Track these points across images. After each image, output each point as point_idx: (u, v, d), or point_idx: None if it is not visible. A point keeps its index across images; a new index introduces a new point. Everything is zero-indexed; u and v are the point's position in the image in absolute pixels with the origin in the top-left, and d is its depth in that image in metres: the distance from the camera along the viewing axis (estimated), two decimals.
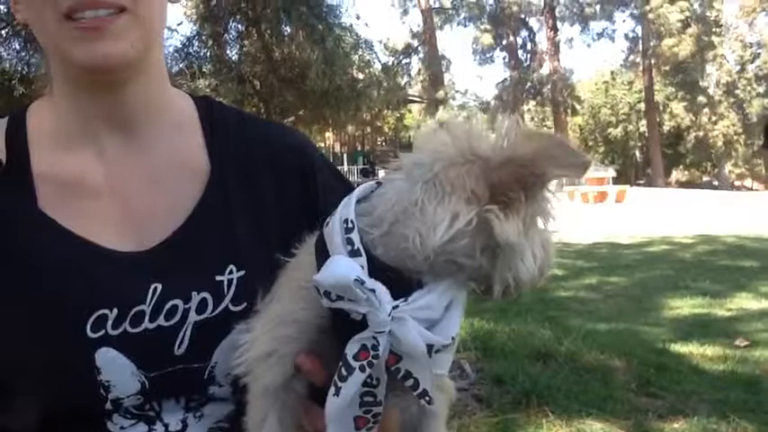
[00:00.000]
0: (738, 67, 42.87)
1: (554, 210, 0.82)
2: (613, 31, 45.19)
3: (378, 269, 0.77)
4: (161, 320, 0.99)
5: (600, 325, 5.72)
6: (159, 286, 1.00)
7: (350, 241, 0.78)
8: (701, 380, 4.16)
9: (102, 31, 0.94)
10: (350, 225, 0.80)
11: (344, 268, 0.76)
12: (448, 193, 0.78)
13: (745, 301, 6.54)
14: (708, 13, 41.31)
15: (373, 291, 0.75)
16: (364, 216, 0.81)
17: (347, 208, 0.82)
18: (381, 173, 0.89)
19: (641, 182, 41.81)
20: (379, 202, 0.82)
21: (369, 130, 35.34)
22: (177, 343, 0.99)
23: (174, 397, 1.01)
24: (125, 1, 0.95)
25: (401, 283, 0.77)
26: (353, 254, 0.78)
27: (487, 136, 0.80)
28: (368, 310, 0.75)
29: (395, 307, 0.75)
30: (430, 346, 0.76)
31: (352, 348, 0.76)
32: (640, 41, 42.76)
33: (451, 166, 0.78)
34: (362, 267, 0.77)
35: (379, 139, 37.68)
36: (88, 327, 0.96)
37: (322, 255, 0.81)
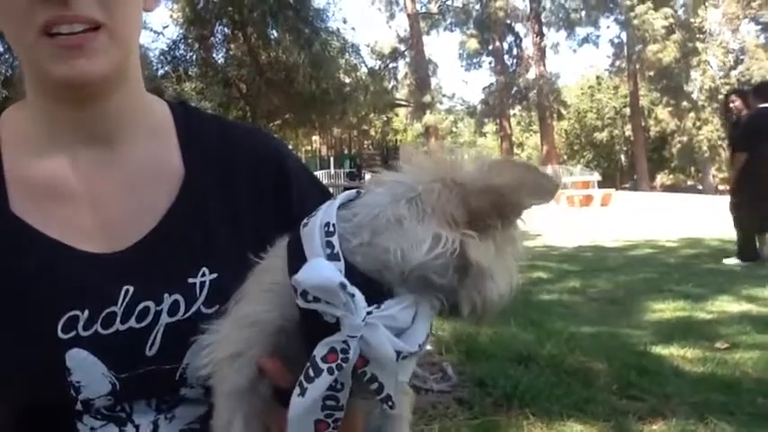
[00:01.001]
0: (722, 73, 43.28)
1: (521, 237, 0.86)
2: (598, 36, 45.60)
3: (353, 276, 0.79)
4: (132, 322, 1.00)
5: (583, 328, 5.74)
6: (131, 288, 1.01)
7: (329, 244, 0.80)
8: (682, 382, 4.18)
9: (80, 49, 0.95)
10: (331, 229, 0.81)
11: (329, 271, 0.77)
12: (429, 215, 0.81)
13: (726, 304, 6.58)
14: (692, 20, 41.70)
15: (353, 295, 0.76)
16: (344, 222, 0.83)
17: (329, 212, 0.84)
18: (368, 176, 0.91)
19: (626, 186, 42.03)
20: (360, 211, 0.83)
21: (355, 133, 35.32)
22: (149, 344, 1.00)
23: (146, 398, 1.01)
24: (100, 16, 0.95)
25: (374, 291, 0.79)
26: (332, 257, 0.79)
27: (466, 163, 0.85)
28: (343, 314, 0.76)
29: (369, 313, 0.77)
30: (398, 353, 0.78)
31: (320, 350, 0.77)
32: (625, 47, 43.06)
33: (433, 189, 0.82)
34: (340, 272, 0.78)
35: (365, 142, 37.65)
36: (59, 327, 0.96)
37: (296, 256, 0.82)
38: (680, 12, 41.71)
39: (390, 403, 0.80)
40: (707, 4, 41.86)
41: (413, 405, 0.96)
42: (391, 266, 0.80)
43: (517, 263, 0.86)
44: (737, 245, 9.21)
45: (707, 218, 16.57)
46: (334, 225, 0.81)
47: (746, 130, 8.69)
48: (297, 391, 0.78)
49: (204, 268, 1.05)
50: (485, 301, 0.83)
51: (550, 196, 0.83)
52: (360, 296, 0.77)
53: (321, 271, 0.77)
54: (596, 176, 28.45)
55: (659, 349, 4.93)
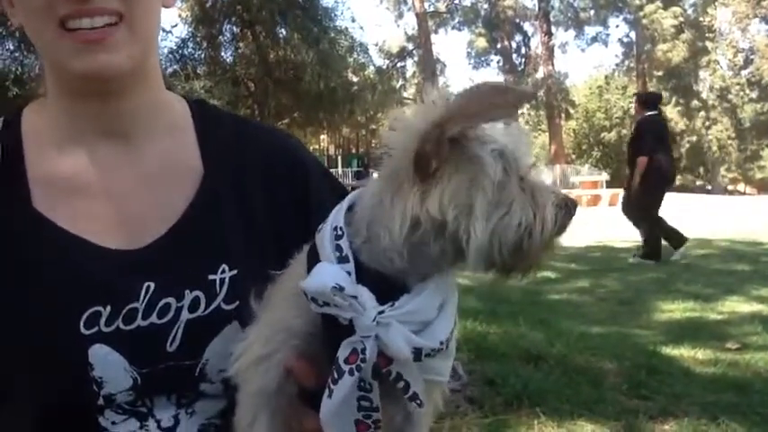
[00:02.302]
0: (731, 73, 43.07)
1: (496, 168, 0.78)
2: (607, 35, 45.29)
3: (364, 274, 0.79)
4: (154, 318, 1.00)
5: (592, 328, 5.73)
6: (152, 284, 1.01)
7: (339, 248, 0.81)
8: (692, 382, 4.17)
9: (100, 43, 0.95)
10: (339, 232, 0.82)
11: (325, 275, 0.78)
12: (400, 183, 0.80)
13: (736, 305, 6.56)
14: (701, 19, 41.53)
15: (355, 297, 0.77)
16: (349, 223, 0.83)
17: (338, 215, 0.84)
18: (375, 175, 0.90)
19: None
20: (358, 206, 0.84)
21: (363, 132, 35.35)
22: (170, 340, 1.01)
23: (166, 393, 1.02)
24: (120, 7, 0.96)
25: (388, 288, 0.79)
26: (342, 260, 0.80)
27: (427, 111, 0.79)
28: (353, 316, 0.77)
29: (381, 312, 0.77)
30: (418, 351, 0.77)
31: (343, 352, 0.78)
32: (634, 46, 42.91)
33: (398, 155, 0.80)
34: (349, 273, 0.79)
35: (373, 141, 37.66)
36: (81, 323, 0.97)
37: (313, 262, 0.83)
38: (689, 11, 41.55)
39: (418, 401, 0.80)
40: (716, 3, 41.64)
41: (438, 411, 0.93)
42: (390, 255, 0.79)
43: (494, 179, 0.78)
44: (648, 244, 9.50)
45: (716, 218, 16.50)
46: (341, 228, 0.82)
47: (647, 135, 9.17)
48: (326, 392, 0.79)
49: (224, 265, 1.06)
50: (478, 246, 0.77)
51: (505, 109, 0.78)
52: (367, 296, 0.77)
53: (318, 277, 0.79)
54: (604, 176, 28.40)
55: (669, 349, 4.91)
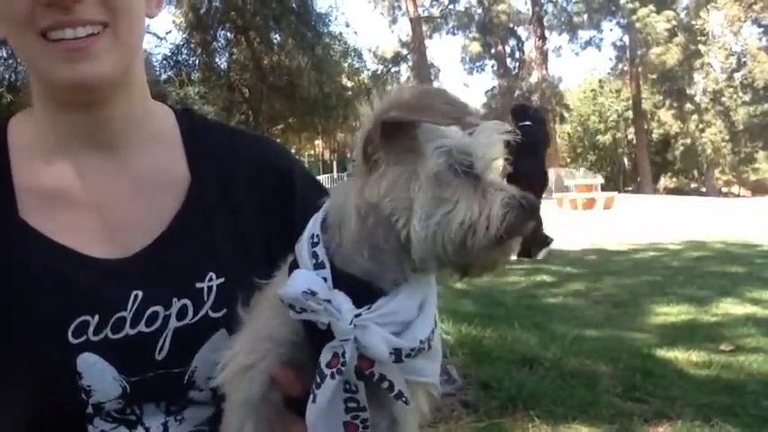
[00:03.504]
0: (725, 76, 43.24)
1: (438, 162, 0.79)
2: (601, 39, 45.34)
3: (341, 279, 0.80)
4: (142, 326, 1.01)
5: (587, 331, 5.74)
6: (140, 293, 1.02)
7: (315, 255, 0.82)
8: (686, 384, 4.19)
9: (83, 52, 0.96)
10: (315, 239, 0.83)
11: (298, 281, 0.80)
12: (356, 178, 0.82)
13: (730, 307, 6.58)
14: (694, 23, 41.69)
15: (329, 301, 0.78)
16: (324, 230, 0.85)
17: (315, 223, 0.86)
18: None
19: (629, 189, 42.00)
20: (330, 211, 0.86)
21: None
22: (158, 348, 1.01)
23: (155, 401, 1.02)
24: (103, 16, 0.96)
25: (364, 292, 0.80)
26: (318, 266, 0.81)
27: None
28: (329, 320, 0.78)
29: (357, 315, 0.78)
30: (398, 351, 0.78)
31: (325, 356, 0.79)
32: (628, 50, 43.06)
33: (357, 149, 0.82)
34: (325, 279, 0.80)
35: None
36: (69, 332, 0.97)
37: (293, 271, 0.84)
38: (682, 14, 41.71)
39: (404, 399, 0.81)
40: (709, 6, 41.82)
41: (425, 417, 0.92)
42: (356, 257, 0.80)
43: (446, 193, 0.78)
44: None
45: (711, 220, 16.55)
46: (317, 235, 0.83)
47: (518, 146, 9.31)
48: (311, 397, 0.80)
49: (211, 273, 1.06)
50: (418, 234, 0.77)
51: (429, 113, 0.78)
52: (342, 300, 0.79)
53: (293, 282, 0.80)
54: (599, 179, 28.46)
55: (664, 352, 4.93)
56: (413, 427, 0.91)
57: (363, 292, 0.80)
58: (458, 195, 0.78)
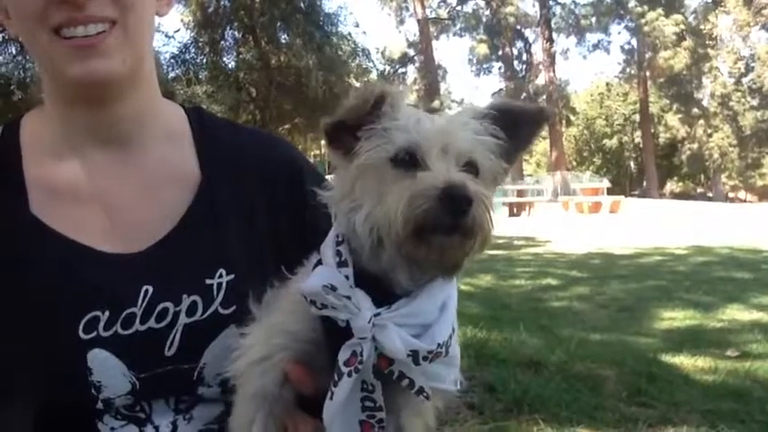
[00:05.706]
0: (732, 80, 43.11)
1: (378, 158, 0.80)
2: (609, 42, 45.42)
3: (362, 278, 0.80)
4: (152, 322, 1.01)
5: (592, 335, 5.73)
6: (150, 289, 1.02)
7: (338, 253, 0.82)
8: (692, 390, 4.17)
9: (94, 49, 0.97)
10: (340, 239, 0.83)
11: (319, 277, 0.80)
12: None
13: (736, 313, 6.55)
14: (702, 27, 41.59)
15: (348, 297, 0.78)
16: (348, 229, 0.84)
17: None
18: None
19: (636, 193, 41.95)
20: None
21: None
22: (168, 345, 1.01)
23: (164, 398, 1.02)
24: (114, 13, 0.97)
25: (384, 291, 0.80)
26: (341, 264, 0.81)
27: None
28: (348, 317, 0.78)
29: (377, 314, 0.78)
30: (415, 353, 0.78)
31: (343, 354, 0.79)
32: (636, 53, 42.97)
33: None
34: (347, 277, 0.80)
35: None
36: (80, 328, 0.97)
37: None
38: (690, 18, 41.62)
39: (425, 394, 0.81)
40: (717, 10, 41.72)
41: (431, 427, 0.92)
42: (370, 255, 0.81)
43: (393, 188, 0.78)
44: None
45: (717, 226, 16.50)
46: (342, 235, 0.83)
47: None
48: (328, 395, 0.80)
49: (221, 269, 1.06)
50: (361, 227, 0.79)
51: (353, 111, 0.81)
52: (362, 297, 0.79)
53: (314, 278, 0.80)
54: (605, 183, 28.47)
55: (669, 357, 4.91)
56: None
57: (384, 292, 0.80)
58: (387, 189, 0.78)
